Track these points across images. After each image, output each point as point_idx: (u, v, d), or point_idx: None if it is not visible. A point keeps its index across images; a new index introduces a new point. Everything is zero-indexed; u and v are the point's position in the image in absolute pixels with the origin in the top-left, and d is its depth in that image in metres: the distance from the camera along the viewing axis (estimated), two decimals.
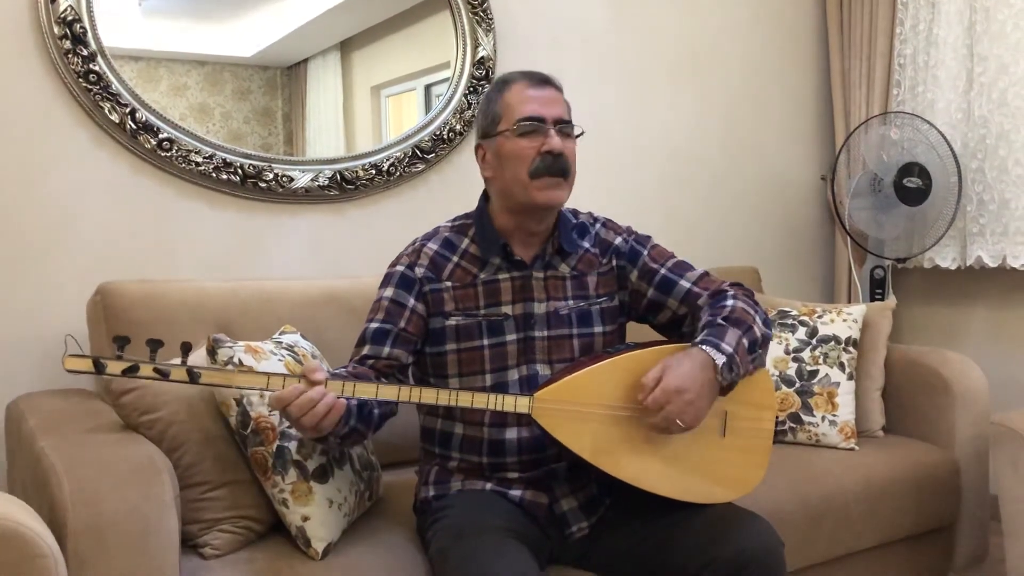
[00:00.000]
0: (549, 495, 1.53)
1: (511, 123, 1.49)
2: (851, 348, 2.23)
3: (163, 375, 1.26)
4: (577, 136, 1.56)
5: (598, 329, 1.58)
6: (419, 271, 1.55)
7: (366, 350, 1.52)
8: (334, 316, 1.93)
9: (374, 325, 1.53)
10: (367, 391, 1.34)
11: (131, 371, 1.24)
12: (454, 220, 1.63)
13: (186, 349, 1.28)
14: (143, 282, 1.82)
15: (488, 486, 1.53)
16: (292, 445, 1.47)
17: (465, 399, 1.37)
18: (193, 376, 1.27)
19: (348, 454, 1.59)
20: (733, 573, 1.36)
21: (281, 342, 1.65)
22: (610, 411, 1.42)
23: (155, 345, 1.26)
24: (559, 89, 1.55)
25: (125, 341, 1.25)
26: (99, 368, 1.23)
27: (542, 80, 1.53)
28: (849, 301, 3.01)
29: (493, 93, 1.55)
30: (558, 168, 1.48)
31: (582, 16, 2.67)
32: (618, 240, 1.63)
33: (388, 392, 1.36)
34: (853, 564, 2.02)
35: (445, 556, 1.36)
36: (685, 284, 1.58)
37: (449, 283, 1.54)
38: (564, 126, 1.51)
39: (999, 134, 2.66)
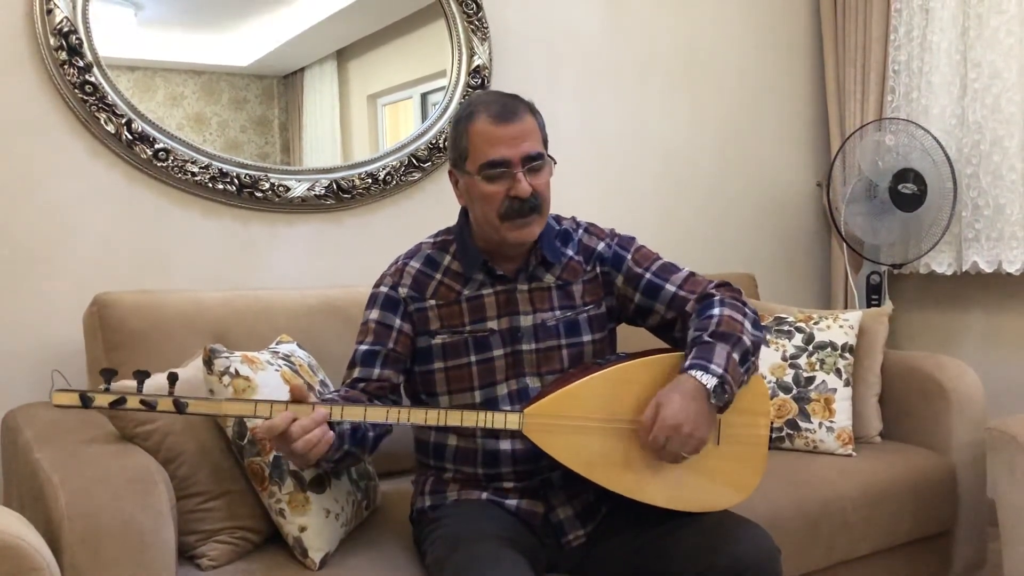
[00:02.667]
0: (545, 504, 1.53)
1: (477, 166, 1.46)
2: (848, 354, 2.23)
3: (150, 407, 1.26)
4: (553, 163, 1.52)
5: (587, 338, 1.57)
6: (403, 291, 1.55)
7: (357, 372, 1.52)
8: (331, 325, 1.93)
9: (363, 347, 1.53)
10: (356, 414, 1.34)
11: (118, 404, 1.25)
12: (435, 236, 1.62)
13: (173, 379, 1.28)
14: (139, 292, 1.82)
15: (484, 495, 1.53)
16: None
17: (455, 418, 1.37)
18: (179, 407, 1.27)
19: (344, 470, 1.58)
20: None
21: (278, 352, 1.65)
22: (602, 424, 1.42)
23: (142, 376, 1.26)
24: (532, 112, 1.50)
25: (112, 374, 1.26)
26: (86, 402, 1.24)
27: (509, 113, 1.46)
28: (845, 307, 3.01)
29: (461, 122, 1.49)
30: (527, 209, 1.45)
31: (577, 24, 2.68)
32: (601, 246, 1.61)
33: (377, 414, 1.35)
34: (851, 571, 2.02)
35: (442, 566, 1.36)
36: (671, 288, 1.56)
37: (433, 301, 1.54)
38: (534, 163, 1.46)
39: (993, 140, 2.67)
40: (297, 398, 1.30)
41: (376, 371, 1.51)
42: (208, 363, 1.47)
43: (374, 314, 1.55)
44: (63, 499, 1.24)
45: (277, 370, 1.55)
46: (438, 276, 1.56)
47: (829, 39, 3.08)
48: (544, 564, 1.49)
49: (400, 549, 1.55)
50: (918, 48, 2.87)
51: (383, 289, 1.56)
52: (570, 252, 1.60)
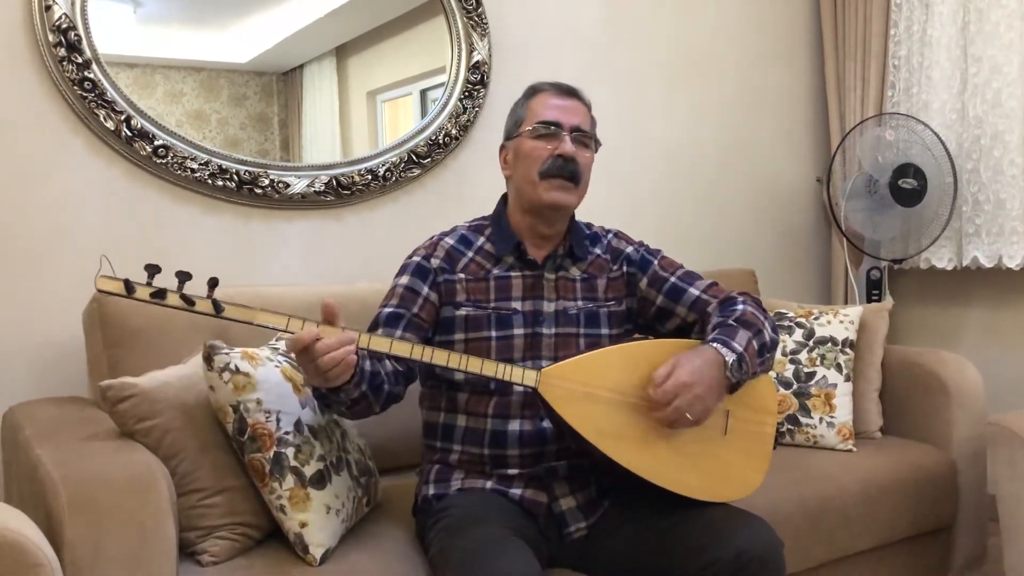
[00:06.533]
0: (548, 494, 1.54)
1: (531, 124, 1.57)
2: (848, 349, 2.23)
3: (189, 303, 1.28)
4: (597, 148, 1.62)
5: (605, 331, 1.62)
6: (435, 262, 1.60)
7: (379, 332, 1.54)
8: None
9: (388, 310, 1.57)
10: (382, 344, 1.36)
11: (158, 296, 1.26)
12: (472, 221, 1.69)
13: (213, 284, 1.30)
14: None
15: (488, 484, 1.54)
16: (290, 451, 1.47)
17: (475, 364, 1.39)
18: (217, 308, 1.29)
19: (346, 460, 1.59)
20: (733, 574, 1.36)
21: (278, 348, 1.65)
22: (616, 395, 1.44)
23: (184, 276, 1.28)
24: (586, 104, 1.63)
25: (156, 269, 1.27)
26: (129, 290, 1.25)
27: (568, 91, 1.61)
28: (846, 302, 3.01)
29: (522, 99, 1.63)
30: (568, 171, 1.54)
31: (577, 20, 2.68)
32: (629, 249, 1.68)
33: (402, 348, 1.37)
34: (851, 566, 2.02)
35: (447, 555, 1.37)
36: (694, 292, 1.63)
37: (463, 275, 1.59)
38: (581, 135, 1.57)
39: (993, 134, 2.66)
40: (328, 318, 1.31)
41: (398, 332, 1.53)
42: (208, 359, 1.47)
43: (403, 279, 1.59)
44: (64, 495, 1.24)
45: (277, 366, 1.55)
46: (470, 253, 1.62)
47: (829, 34, 3.08)
48: (546, 556, 1.50)
49: (401, 544, 1.56)
50: (918, 43, 2.86)
51: (416, 259, 1.62)
52: (598, 251, 1.67)
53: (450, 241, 1.63)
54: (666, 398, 1.39)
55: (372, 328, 1.56)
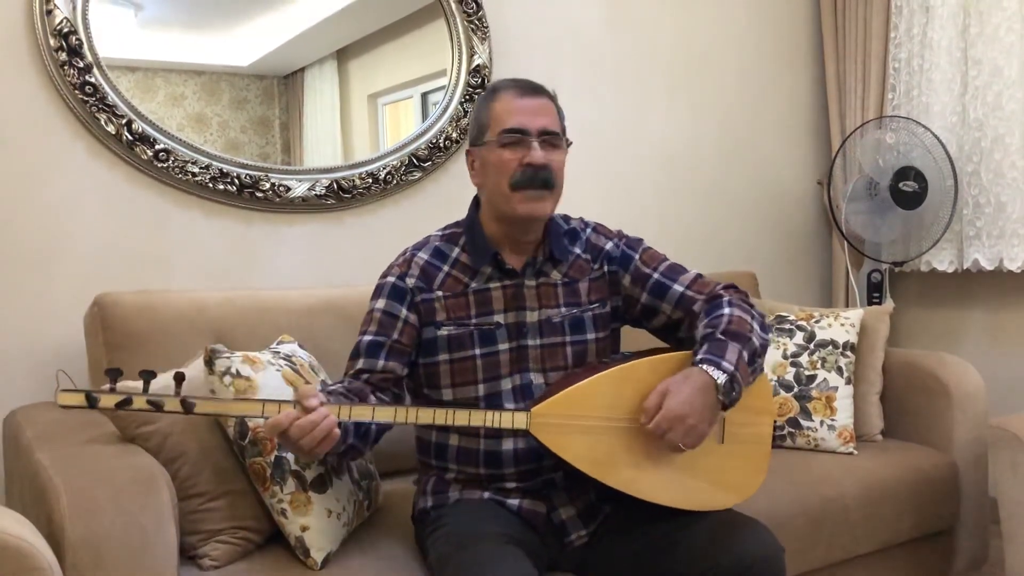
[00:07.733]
0: (547, 504, 1.53)
1: (495, 133, 1.49)
2: (849, 352, 2.23)
3: (157, 407, 1.24)
4: (568, 146, 1.55)
5: (591, 336, 1.58)
6: (410, 281, 1.54)
7: (360, 363, 1.51)
8: (332, 325, 1.93)
9: (367, 338, 1.52)
10: (363, 414, 1.33)
11: (124, 404, 1.23)
12: (444, 229, 1.62)
13: (179, 379, 1.27)
14: (140, 293, 1.82)
15: (486, 495, 1.53)
16: (291, 455, 1.47)
17: (462, 417, 1.36)
18: (187, 407, 1.25)
19: (347, 464, 1.59)
20: None
21: (279, 352, 1.65)
22: (608, 423, 1.42)
23: (148, 376, 1.25)
24: (551, 98, 1.54)
25: (118, 373, 1.24)
26: (92, 402, 1.22)
27: (531, 89, 1.51)
28: (847, 305, 3.01)
29: (483, 101, 1.54)
30: (539, 180, 1.47)
31: (577, 23, 2.68)
32: (609, 245, 1.62)
33: (384, 414, 1.34)
34: (853, 569, 2.02)
35: (445, 564, 1.36)
36: (678, 288, 1.57)
37: (440, 292, 1.53)
38: (550, 137, 1.49)
39: (994, 137, 2.66)
40: (302, 399, 1.28)
41: (380, 362, 1.50)
42: (209, 363, 1.47)
43: (380, 303, 1.53)
44: (64, 500, 1.24)
45: (278, 370, 1.55)
46: (446, 268, 1.55)
47: (829, 37, 3.08)
48: (546, 563, 1.49)
49: (402, 548, 1.55)
50: (919, 45, 2.86)
51: (390, 279, 1.55)
52: (577, 250, 1.60)
53: (424, 256, 1.56)
54: (659, 431, 1.37)
55: (353, 358, 1.52)
